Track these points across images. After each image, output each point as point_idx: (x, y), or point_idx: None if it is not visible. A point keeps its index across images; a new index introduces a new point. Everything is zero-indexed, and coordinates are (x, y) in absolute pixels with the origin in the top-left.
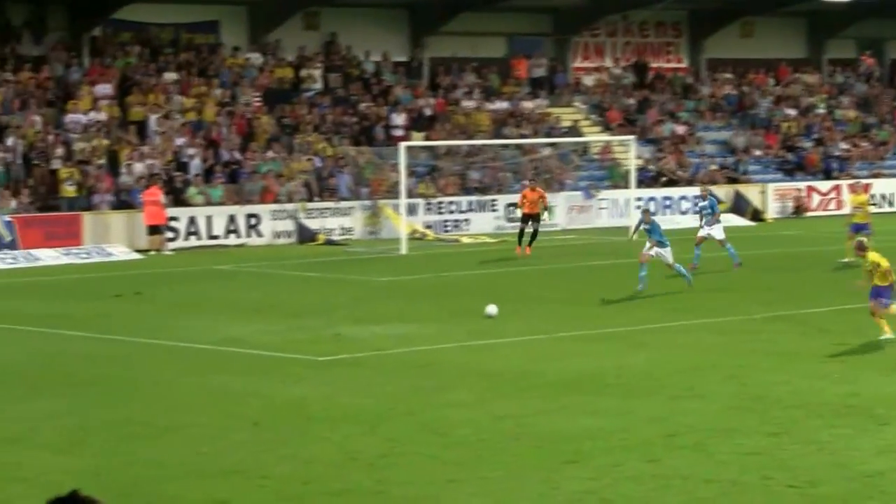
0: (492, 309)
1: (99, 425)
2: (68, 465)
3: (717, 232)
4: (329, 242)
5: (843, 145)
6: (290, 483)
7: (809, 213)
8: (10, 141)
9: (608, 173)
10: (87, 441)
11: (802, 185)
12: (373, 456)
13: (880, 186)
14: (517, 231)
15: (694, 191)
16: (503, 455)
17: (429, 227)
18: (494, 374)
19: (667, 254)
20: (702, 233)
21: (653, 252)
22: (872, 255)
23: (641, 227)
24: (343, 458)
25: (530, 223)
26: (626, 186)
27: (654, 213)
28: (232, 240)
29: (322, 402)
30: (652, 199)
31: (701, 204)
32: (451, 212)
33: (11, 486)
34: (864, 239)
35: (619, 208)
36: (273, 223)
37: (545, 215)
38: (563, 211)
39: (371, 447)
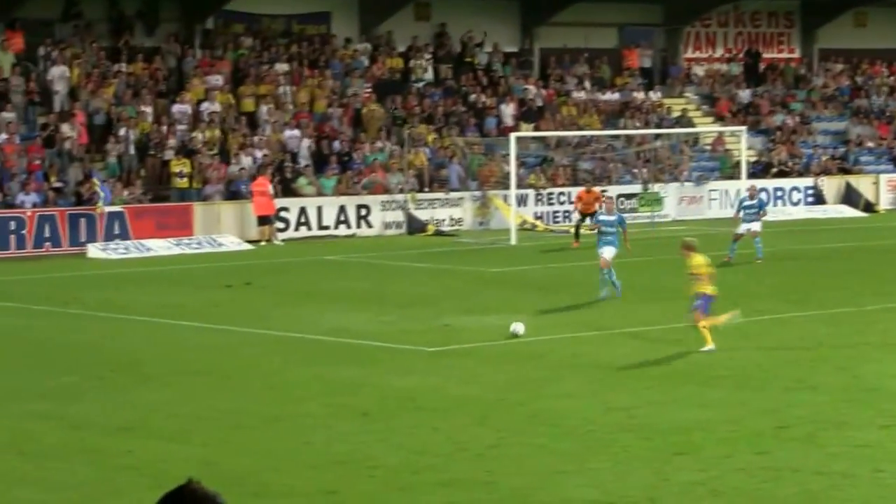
0: (518, 328)
1: (209, 414)
2: (179, 454)
3: (756, 226)
4: (438, 233)
5: None
6: (400, 473)
7: None
8: (122, 132)
9: (719, 164)
10: (198, 430)
11: None
12: (482, 446)
13: None
14: (574, 226)
15: (807, 181)
16: (612, 446)
17: (539, 217)
18: (604, 365)
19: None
20: (741, 229)
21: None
22: (698, 259)
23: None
24: (452, 448)
25: (587, 220)
26: (737, 177)
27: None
28: (342, 230)
29: (431, 392)
30: (763, 189)
31: (747, 203)
32: (562, 203)
33: (123, 473)
34: (692, 239)
35: (729, 199)
36: (383, 214)
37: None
38: (674, 202)
39: (480, 437)
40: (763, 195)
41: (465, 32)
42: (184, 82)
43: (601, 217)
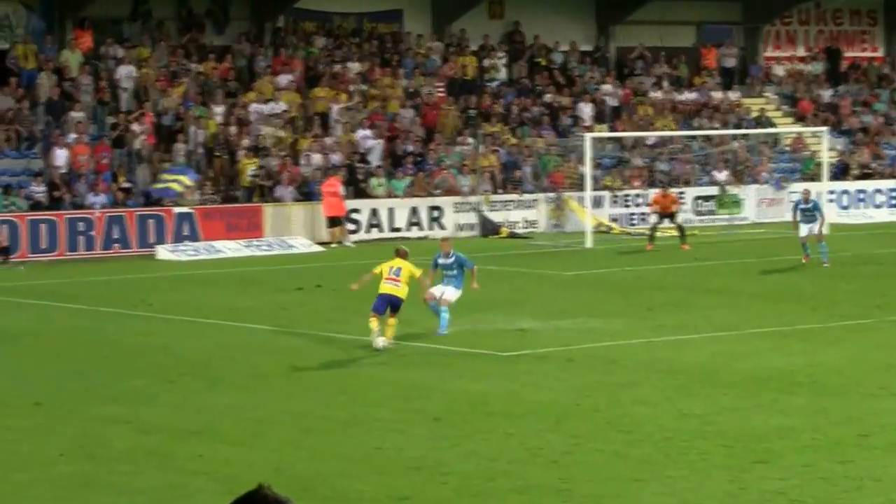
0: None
1: (280, 418)
2: (249, 459)
3: (815, 227)
4: (512, 235)
5: None
6: (473, 480)
7: None
8: (191, 131)
9: (800, 165)
10: (268, 434)
11: None
12: (556, 453)
13: None
14: (650, 228)
15: (890, 183)
16: (689, 453)
17: (614, 220)
18: (681, 371)
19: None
20: (803, 232)
21: None
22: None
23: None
24: (526, 454)
25: (666, 221)
26: (818, 179)
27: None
28: (414, 232)
29: (505, 397)
30: (845, 191)
31: (803, 206)
32: (638, 205)
33: (193, 479)
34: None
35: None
36: (456, 216)
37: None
38: (753, 204)
39: (555, 444)
40: (816, 197)
41: (539, 31)
42: (254, 82)
43: (440, 261)
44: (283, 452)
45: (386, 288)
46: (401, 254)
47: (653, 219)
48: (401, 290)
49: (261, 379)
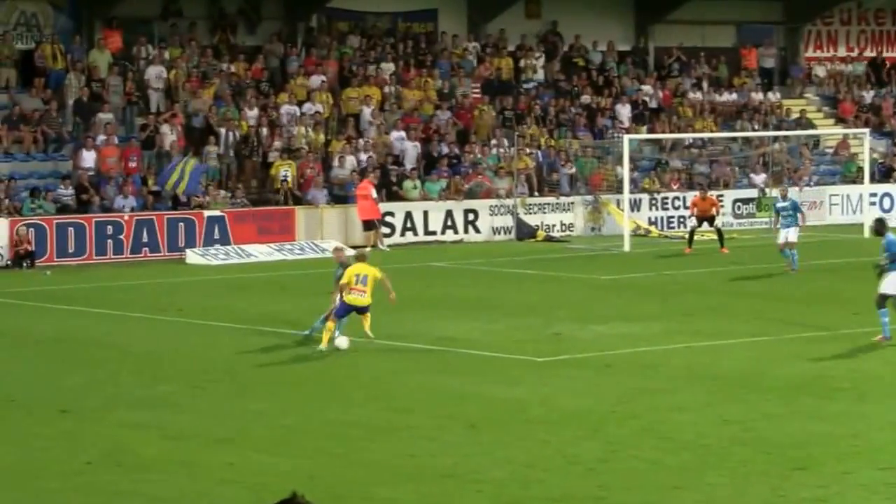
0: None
1: (312, 426)
2: (280, 467)
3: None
4: (549, 239)
5: None
6: (508, 487)
7: None
8: (222, 133)
9: (842, 168)
10: (300, 442)
11: None
12: (593, 460)
13: None
14: (689, 231)
15: None
16: (729, 460)
17: (653, 223)
18: (720, 377)
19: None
20: (781, 239)
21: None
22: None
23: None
24: (563, 462)
25: (705, 224)
26: (860, 181)
27: None
28: (449, 236)
29: (541, 403)
30: (887, 194)
31: (779, 205)
32: (677, 208)
33: (223, 487)
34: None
35: (851, 204)
36: (491, 219)
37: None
38: None
39: (592, 451)
40: (795, 196)
41: (579, 30)
42: (287, 83)
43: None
44: (315, 460)
45: (351, 299)
46: (361, 258)
47: (692, 222)
48: (366, 300)
49: (292, 385)
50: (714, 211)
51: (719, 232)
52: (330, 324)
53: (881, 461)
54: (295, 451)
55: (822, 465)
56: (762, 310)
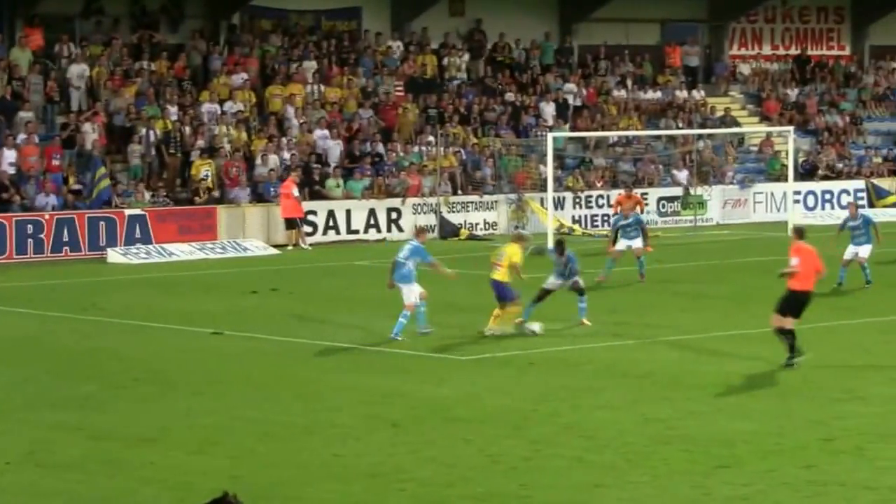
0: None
1: (236, 425)
2: (203, 466)
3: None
4: (472, 237)
5: None
6: (431, 486)
7: None
8: (143, 132)
9: (766, 166)
10: (223, 441)
11: None
12: (516, 459)
13: None
14: (612, 230)
15: (857, 184)
16: (652, 459)
17: (577, 221)
18: (644, 375)
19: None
20: (621, 246)
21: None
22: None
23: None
24: (486, 461)
25: None
26: (784, 179)
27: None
28: (372, 234)
29: (465, 402)
30: (811, 192)
31: (622, 223)
32: (601, 206)
33: (145, 487)
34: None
35: (776, 202)
36: (414, 217)
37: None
38: (718, 205)
39: (515, 450)
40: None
41: (503, 28)
42: (209, 81)
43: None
44: (239, 460)
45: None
46: (514, 238)
47: (613, 218)
48: (498, 273)
49: (215, 385)
50: (638, 209)
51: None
52: (515, 308)
53: (805, 459)
54: (219, 450)
55: (745, 464)
56: (687, 308)
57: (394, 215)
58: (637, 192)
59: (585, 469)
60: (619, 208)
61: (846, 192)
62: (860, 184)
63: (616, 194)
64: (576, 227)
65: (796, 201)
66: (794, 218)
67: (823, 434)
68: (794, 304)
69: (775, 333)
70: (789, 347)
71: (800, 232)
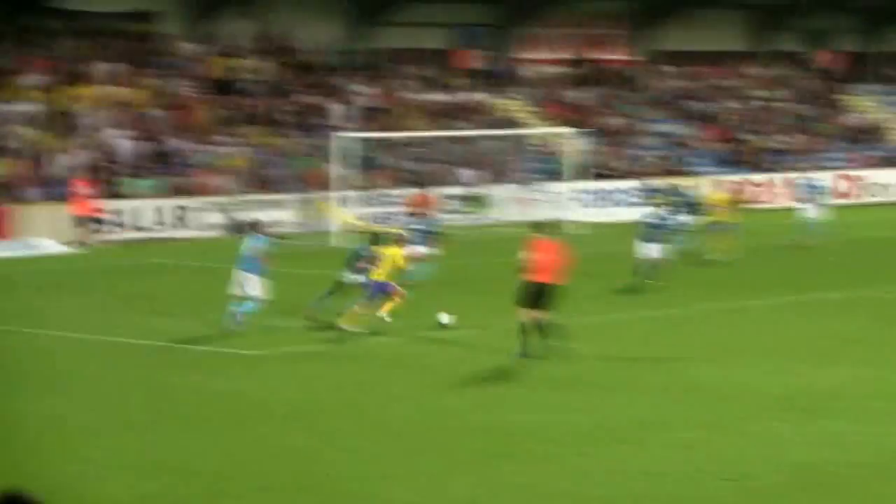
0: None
1: (22, 422)
2: None
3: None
4: None
5: (783, 138)
6: (218, 479)
7: (750, 206)
8: None
9: (549, 166)
10: (9, 440)
11: (741, 177)
12: (307, 450)
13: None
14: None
15: (635, 183)
16: (438, 449)
17: (364, 220)
18: (431, 367)
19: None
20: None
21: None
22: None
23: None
24: (276, 452)
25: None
26: (566, 179)
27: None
28: (162, 232)
29: (256, 396)
30: (591, 191)
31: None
32: (387, 204)
33: None
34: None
35: (557, 201)
36: (205, 215)
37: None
38: (502, 204)
39: (305, 442)
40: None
41: (294, 31)
42: (1, 81)
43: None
44: (28, 455)
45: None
46: (394, 240)
47: (405, 219)
48: (377, 274)
49: (5, 383)
50: (432, 209)
51: (432, 234)
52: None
53: (582, 447)
54: (3, 447)
55: (527, 452)
56: (467, 302)
57: (184, 213)
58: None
59: (371, 460)
60: (413, 209)
61: (623, 190)
62: (638, 183)
63: (406, 193)
64: (363, 224)
65: (576, 200)
66: (575, 216)
67: (599, 423)
68: (529, 295)
69: (519, 326)
70: (524, 343)
71: (540, 227)
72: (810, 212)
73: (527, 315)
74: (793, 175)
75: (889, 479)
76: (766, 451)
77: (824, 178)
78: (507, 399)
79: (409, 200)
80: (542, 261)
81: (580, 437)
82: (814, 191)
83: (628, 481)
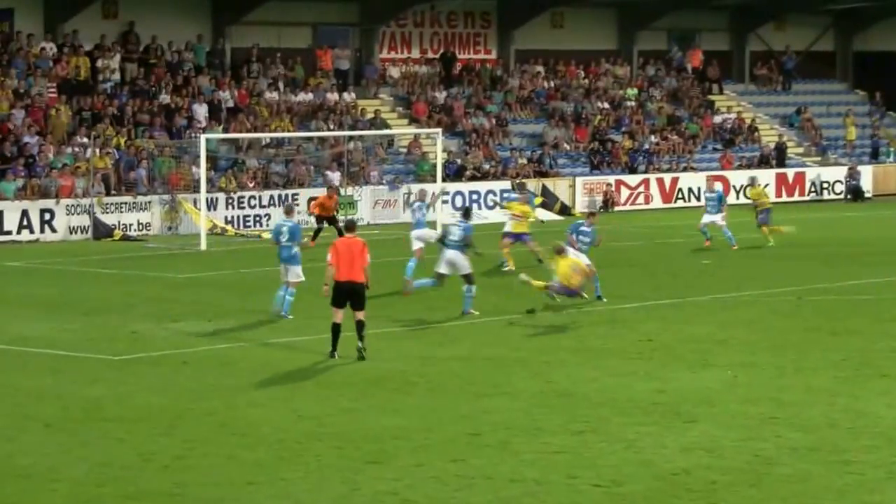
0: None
1: None
2: None
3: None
4: (126, 238)
5: (653, 139)
6: (84, 486)
7: (618, 208)
8: None
9: (415, 167)
10: None
11: (612, 178)
12: (169, 457)
13: (688, 181)
14: (314, 229)
15: (503, 185)
16: (304, 455)
17: (229, 222)
18: (297, 373)
19: None
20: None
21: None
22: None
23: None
24: (139, 459)
25: (325, 224)
26: (433, 180)
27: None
28: (25, 235)
29: (118, 402)
30: (459, 192)
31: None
32: (253, 206)
33: None
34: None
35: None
36: (68, 218)
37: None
38: (368, 205)
39: (168, 448)
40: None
41: (154, 31)
42: None
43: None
44: None
45: None
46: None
47: (314, 221)
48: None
49: None
50: (335, 211)
51: (339, 229)
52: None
53: (453, 453)
54: None
55: (395, 458)
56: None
57: (47, 216)
58: (289, 192)
59: (238, 466)
60: (318, 210)
61: (492, 192)
62: (506, 184)
63: (268, 196)
64: (229, 227)
65: (445, 202)
66: (440, 218)
67: (471, 429)
68: (337, 294)
69: (332, 327)
70: (334, 343)
71: (350, 226)
72: (709, 218)
73: (341, 316)
74: (664, 176)
75: (761, 486)
76: (639, 457)
77: (697, 179)
78: (374, 404)
79: (317, 202)
80: (341, 259)
81: (450, 442)
82: (712, 196)
83: (500, 488)
